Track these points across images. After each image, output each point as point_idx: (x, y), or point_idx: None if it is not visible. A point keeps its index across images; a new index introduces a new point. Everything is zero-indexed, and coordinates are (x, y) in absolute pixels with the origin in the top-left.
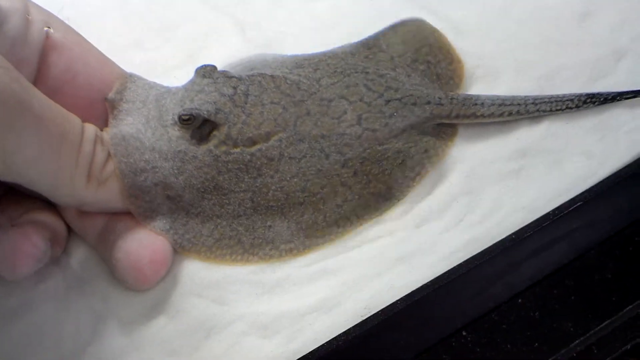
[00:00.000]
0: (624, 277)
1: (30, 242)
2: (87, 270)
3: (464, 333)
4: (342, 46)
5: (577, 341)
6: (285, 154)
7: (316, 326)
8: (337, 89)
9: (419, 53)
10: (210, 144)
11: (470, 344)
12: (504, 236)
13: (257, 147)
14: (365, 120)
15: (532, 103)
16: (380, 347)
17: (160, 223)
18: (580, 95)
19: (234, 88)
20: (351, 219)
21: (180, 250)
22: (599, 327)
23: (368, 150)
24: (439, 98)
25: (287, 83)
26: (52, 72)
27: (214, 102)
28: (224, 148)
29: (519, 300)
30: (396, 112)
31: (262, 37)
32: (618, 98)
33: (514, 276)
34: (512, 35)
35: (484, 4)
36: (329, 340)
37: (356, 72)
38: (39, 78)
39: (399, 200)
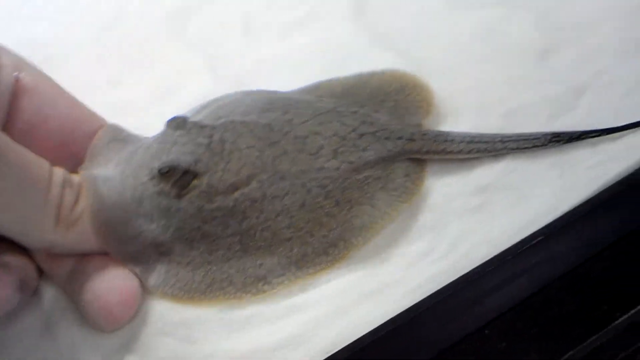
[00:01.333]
0: (587, 309)
1: (0, 283)
2: (57, 310)
3: None
4: (307, 87)
5: None
6: (268, 194)
7: None
8: (311, 126)
9: (387, 94)
10: (192, 195)
11: None
12: (468, 270)
13: (240, 191)
14: (341, 153)
15: (500, 141)
16: None
17: (153, 279)
18: (546, 134)
19: (209, 137)
20: (339, 246)
21: (173, 299)
22: (563, 358)
23: (348, 180)
24: (412, 134)
25: (260, 127)
26: (22, 116)
27: (192, 153)
28: (206, 197)
29: (486, 332)
30: (369, 145)
31: (234, 74)
32: (583, 137)
33: (480, 308)
34: (475, 74)
35: (448, 43)
36: None
37: (327, 111)
38: (8, 122)
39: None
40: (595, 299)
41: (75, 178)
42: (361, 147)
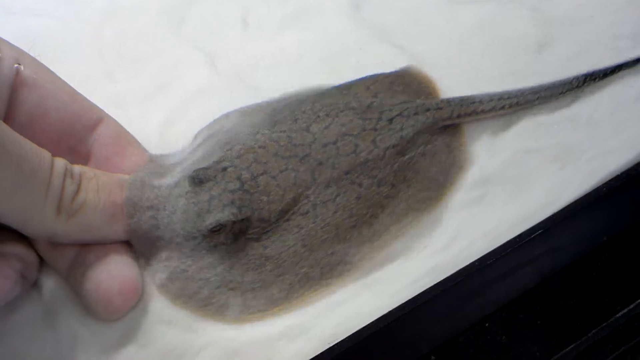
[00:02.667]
0: (588, 302)
1: (0, 274)
2: (57, 301)
3: (432, 358)
4: (304, 91)
5: None
6: (318, 202)
7: (285, 353)
8: (334, 130)
9: (391, 83)
10: (248, 235)
11: None
12: (467, 263)
13: (290, 212)
14: (381, 141)
15: (530, 92)
16: None
17: (231, 314)
18: (578, 77)
19: (238, 178)
20: (409, 215)
21: (260, 317)
22: (564, 352)
23: (396, 164)
24: (437, 103)
25: (281, 145)
26: (23, 108)
27: (231, 202)
28: (260, 230)
29: (486, 325)
30: (403, 125)
31: (232, 68)
32: (617, 70)
33: (480, 301)
34: (471, 67)
35: (444, 37)
36: None
37: (342, 111)
38: (9, 114)
39: (452, 184)
40: (597, 291)
41: (76, 168)
42: (397, 129)
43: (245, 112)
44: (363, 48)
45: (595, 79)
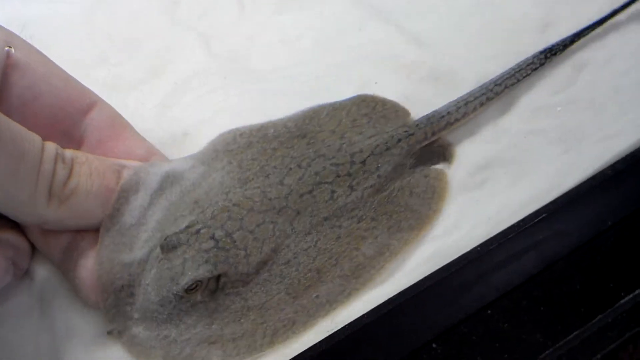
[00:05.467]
0: (592, 287)
1: None
2: (49, 288)
3: (434, 345)
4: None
5: (546, 352)
6: (299, 250)
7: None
8: (308, 180)
9: (353, 113)
10: (227, 290)
11: (441, 356)
12: (469, 248)
13: (270, 262)
14: (357, 184)
15: (495, 84)
16: None
17: None
18: (538, 55)
19: (212, 237)
20: (391, 244)
21: None
22: (568, 338)
23: (376, 201)
24: (405, 131)
25: (256, 201)
26: (14, 91)
27: (206, 261)
28: (240, 283)
29: (488, 312)
30: (378, 163)
31: (227, 50)
32: (575, 40)
33: (482, 288)
34: (471, 47)
35: (442, 16)
36: (296, 356)
37: (312, 160)
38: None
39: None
40: (601, 277)
41: (68, 153)
42: (372, 170)
43: (205, 164)
44: (362, 28)
45: (555, 54)
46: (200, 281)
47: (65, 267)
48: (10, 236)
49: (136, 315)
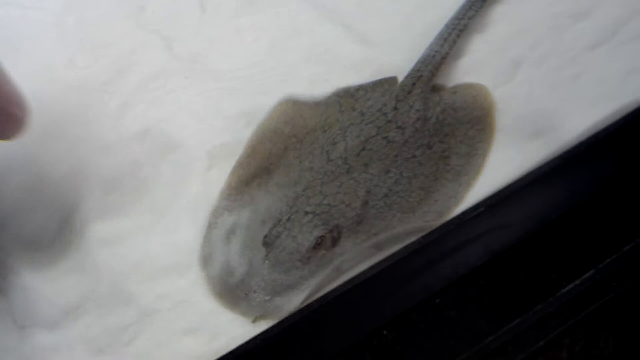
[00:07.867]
0: (535, 277)
1: None
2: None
3: (384, 332)
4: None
5: (490, 338)
6: (391, 184)
7: (231, 327)
8: (355, 143)
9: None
10: (344, 235)
11: (391, 342)
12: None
13: (370, 203)
14: (404, 123)
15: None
16: (302, 347)
17: None
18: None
19: (306, 214)
20: (479, 147)
21: None
22: (511, 325)
23: (431, 127)
24: (412, 76)
25: (320, 179)
26: None
27: (315, 225)
28: (355, 225)
29: (437, 300)
30: (409, 103)
31: (188, 51)
32: None
33: (430, 277)
34: (415, 46)
35: (389, 17)
36: (246, 342)
37: (345, 131)
38: None
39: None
40: (547, 266)
41: None
42: (407, 109)
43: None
44: (315, 30)
45: None
46: (322, 235)
47: None
48: None
49: (266, 297)
